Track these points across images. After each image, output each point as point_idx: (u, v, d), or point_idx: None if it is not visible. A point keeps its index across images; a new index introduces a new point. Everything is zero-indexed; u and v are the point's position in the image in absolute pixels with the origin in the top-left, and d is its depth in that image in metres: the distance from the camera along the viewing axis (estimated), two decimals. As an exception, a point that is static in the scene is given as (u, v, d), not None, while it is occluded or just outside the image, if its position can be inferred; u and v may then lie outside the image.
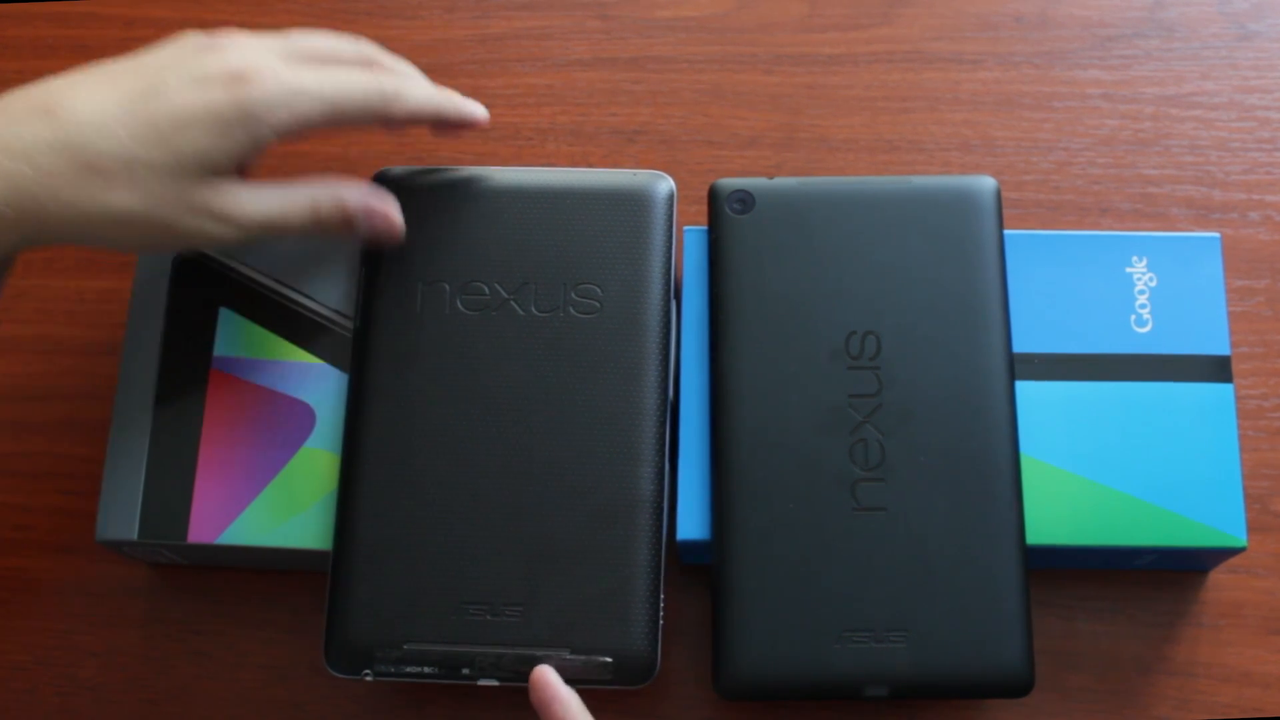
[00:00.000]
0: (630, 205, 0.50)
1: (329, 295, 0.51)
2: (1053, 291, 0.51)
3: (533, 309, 0.49)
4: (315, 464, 0.49)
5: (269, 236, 0.46)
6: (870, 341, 0.48)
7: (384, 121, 0.47)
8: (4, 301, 0.57)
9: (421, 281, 0.49)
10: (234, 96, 0.44)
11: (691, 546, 0.49)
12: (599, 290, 0.49)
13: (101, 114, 0.43)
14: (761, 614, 0.46)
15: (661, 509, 0.47)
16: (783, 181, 0.51)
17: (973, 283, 0.49)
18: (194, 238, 0.45)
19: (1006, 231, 0.51)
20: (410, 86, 0.48)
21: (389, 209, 0.49)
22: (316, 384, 0.50)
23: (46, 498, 0.54)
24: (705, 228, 0.52)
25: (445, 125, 0.49)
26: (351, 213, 0.47)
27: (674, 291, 0.52)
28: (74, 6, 0.63)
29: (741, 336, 0.49)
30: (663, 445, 0.48)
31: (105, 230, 0.43)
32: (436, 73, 0.61)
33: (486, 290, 0.49)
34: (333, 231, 0.47)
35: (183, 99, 0.43)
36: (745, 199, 0.51)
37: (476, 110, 0.50)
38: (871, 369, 0.48)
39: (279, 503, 0.49)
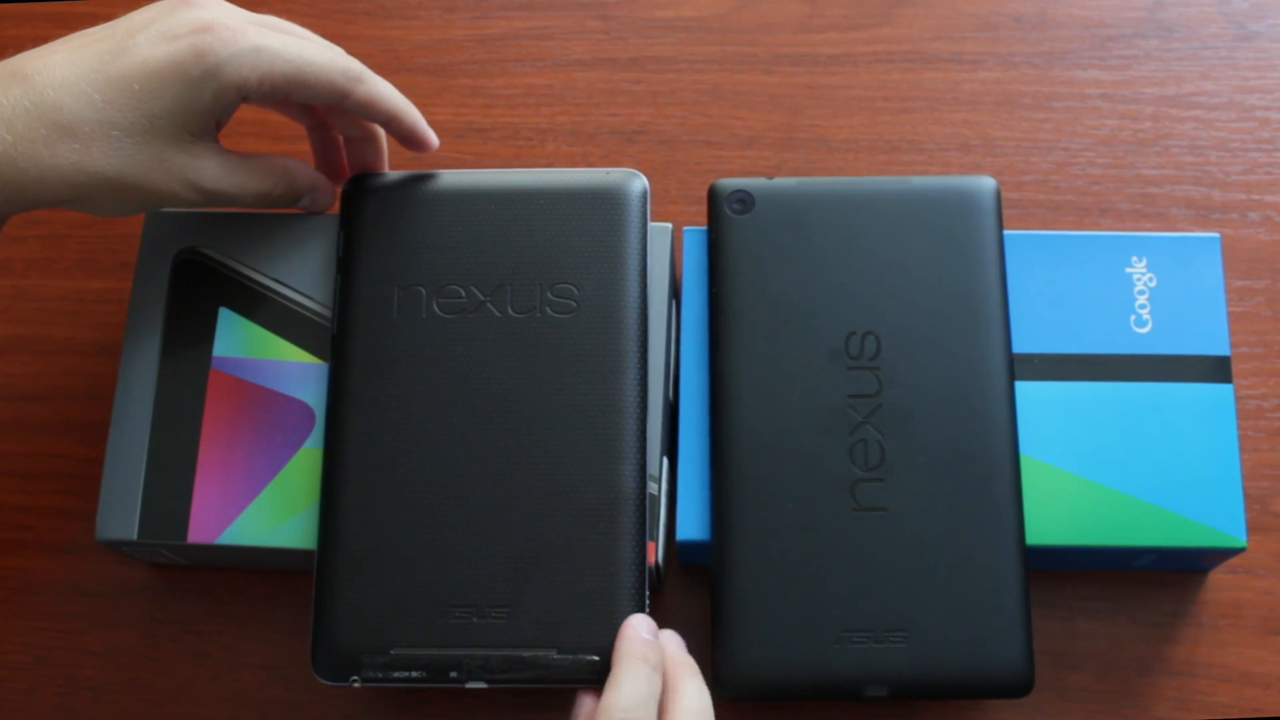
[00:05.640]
0: (605, 204, 0.50)
1: (329, 295, 0.51)
2: (1053, 291, 0.51)
3: (510, 310, 0.49)
4: (315, 464, 0.49)
5: (224, 205, 0.48)
6: (870, 342, 0.48)
7: (343, 100, 0.48)
8: (4, 301, 0.57)
9: (398, 286, 0.49)
10: (197, 48, 0.44)
11: (691, 546, 0.49)
12: (575, 290, 0.49)
13: (74, 76, 0.43)
14: (761, 614, 0.46)
15: (644, 506, 0.47)
16: (782, 181, 0.51)
17: (973, 283, 0.49)
18: (165, 199, 0.46)
19: (1006, 231, 0.51)
20: (376, 78, 0.49)
21: (328, 200, 0.52)
22: (316, 384, 0.50)
23: (46, 498, 0.54)
24: (705, 228, 0.52)
25: (399, 130, 0.50)
26: (300, 197, 0.51)
27: (672, 290, 0.52)
28: (74, 6, 0.63)
29: (741, 336, 0.49)
30: (643, 443, 0.48)
31: (84, 193, 0.44)
32: (436, 73, 0.61)
33: (463, 293, 0.49)
34: (275, 208, 0.51)
35: (150, 54, 0.44)
36: (745, 199, 0.51)
37: (431, 133, 0.51)
38: (871, 369, 0.48)
39: (279, 503, 0.49)
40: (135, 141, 0.44)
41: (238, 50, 0.45)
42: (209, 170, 0.46)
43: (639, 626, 0.45)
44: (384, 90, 0.49)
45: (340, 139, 0.53)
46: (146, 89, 0.44)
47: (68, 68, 0.44)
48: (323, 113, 0.52)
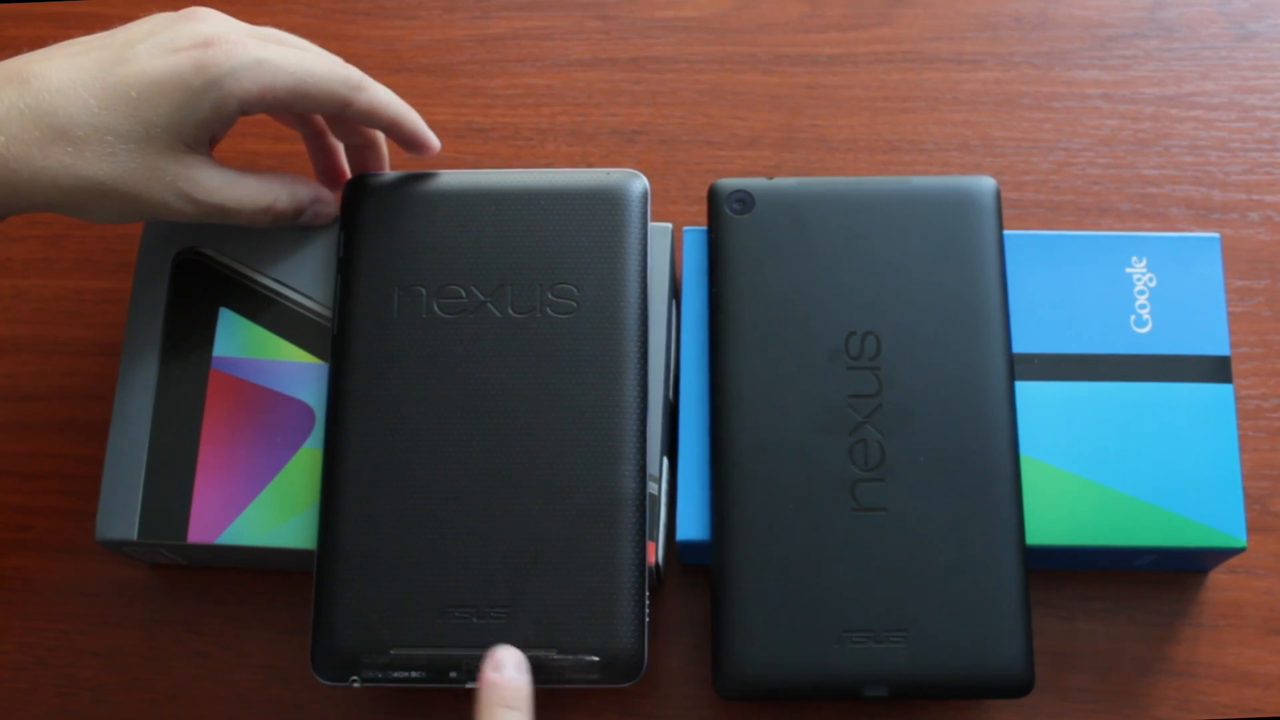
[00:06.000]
0: (605, 204, 0.50)
1: (329, 296, 0.51)
2: (1053, 291, 0.51)
3: (510, 310, 0.49)
4: (315, 464, 0.49)
5: (221, 220, 0.48)
6: (870, 342, 0.48)
7: (345, 109, 0.48)
8: (3, 301, 0.57)
9: (398, 286, 0.49)
10: (198, 61, 0.44)
11: (691, 546, 0.49)
12: (576, 290, 0.49)
13: (72, 81, 0.43)
14: (761, 614, 0.46)
15: (644, 506, 0.47)
16: (782, 181, 0.51)
17: (973, 283, 0.49)
18: (157, 210, 0.46)
19: (1006, 231, 0.51)
20: (376, 85, 0.49)
21: (332, 210, 0.51)
22: (316, 384, 0.50)
23: (46, 498, 0.54)
24: (705, 228, 0.52)
25: (400, 135, 0.50)
26: (303, 211, 0.50)
27: (672, 290, 0.52)
28: (74, 6, 0.63)
29: (741, 337, 0.49)
30: (643, 443, 0.48)
31: (75, 198, 0.44)
32: (436, 73, 0.61)
33: (463, 293, 0.49)
34: (276, 224, 0.50)
35: (150, 64, 0.44)
36: (745, 199, 0.51)
37: (432, 135, 0.51)
38: (871, 369, 0.48)
39: (279, 503, 0.49)
40: (129, 149, 0.44)
41: (239, 63, 0.45)
42: (204, 182, 0.46)
43: (493, 664, 0.44)
44: (384, 97, 0.49)
45: (338, 145, 0.53)
46: (145, 97, 0.44)
47: (65, 73, 0.44)
48: (320, 120, 0.52)
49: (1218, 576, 0.52)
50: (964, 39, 0.61)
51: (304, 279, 0.51)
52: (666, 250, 0.52)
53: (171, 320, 0.51)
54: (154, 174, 0.45)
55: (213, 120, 0.45)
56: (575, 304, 0.49)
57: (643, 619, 0.46)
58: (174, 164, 0.45)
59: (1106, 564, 0.51)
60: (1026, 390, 0.49)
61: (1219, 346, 0.50)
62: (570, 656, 0.45)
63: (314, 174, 0.54)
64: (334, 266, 0.51)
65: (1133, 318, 0.50)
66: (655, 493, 0.48)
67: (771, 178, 0.51)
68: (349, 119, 0.49)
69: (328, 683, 0.46)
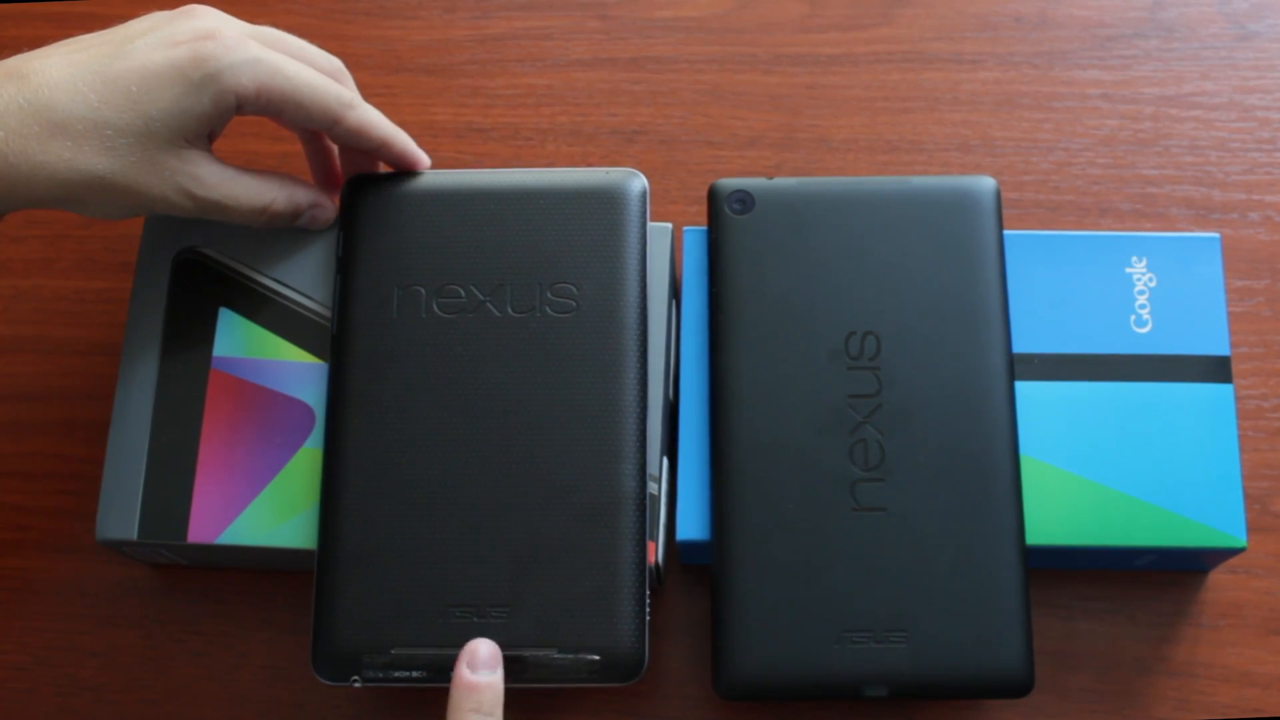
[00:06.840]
0: (604, 204, 0.50)
1: (329, 295, 0.51)
2: (1053, 291, 0.51)
3: (509, 310, 0.49)
4: (315, 464, 0.49)
5: (218, 217, 0.48)
6: (870, 342, 0.48)
7: (334, 126, 0.48)
8: (3, 301, 0.57)
9: (397, 286, 0.49)
10: (198, 54, 0.44)
11: (691, 546, 0.49)
12: (575, 289, 0.49)
13: (71, 76, 0.44)
14: (761, 614, 0.46)
15: (644, 506, 0.47)
16: (782, 181, 0.51)
17: (973, 283, 0.49)
18: (155, 205, 0.46)
19: (1006, 231, 0.51)
20: (367, 106, 0.49)
21: (330, 215, 0.52)
22: (316, 384, 0.50)
23: (46, 498, 0.54)
24: (705, 228, 0.52)
25: (389, 156, 0.50)
26: (300, 214, 0.50)
27: (672, 290, 0.52)
28: (74, 6, 0.63)
29: (741, 337, 0.49)
30: (644, 442, 0.48)
31: (74, 193, 0.44)
32: (436, 73, 0.61)
33: (463, 293, 0.49)
34: (273, 225, 0.50)
35: (149, 58, 0.44)
36: (745, 199, 0.51)
37: (422, 154, 0.51)
38: (871, 369, 0.48)
39: (278, 503, 0.49)
40: (129, 143, 0.44)
41: (239, 59, 0.45)
42: (204, 177, 0.46)
43: (469, 661, 0.44)
44: (374, 118, 0.49)
45: (334, 146, 0.53)
46: (144, 91, 0.44)
47: (65, 69, 0.44)
48: None
49: (1218, 576, 0.52)
50: (964, 39, 0.61)
51: (304, 279, 0.51)
52: (666, 250, 0.52)
53: (171, 320, 0.51)
54: (153, 168, 0.45)
55: (212, 114, 0.45)
56: (575, 303, 0.49)
57: (643, 619, 0.46)
58: (173, 158, 0.45)
59: (1106, 564, 0.51)
60: (1026, 390, 0.49)
61: (1219, 346, 0.50)
62: (571, 656, 0.45)
63: (310, 175, 0.54)
64: (333, 266, 0.51)
65: (1133, 318, 0.50)
66: (655, 493, 0.48)
67: (771, 178, 0.51)
68: (338, 137, 0.49)
69: (328, 683, 0.46)
